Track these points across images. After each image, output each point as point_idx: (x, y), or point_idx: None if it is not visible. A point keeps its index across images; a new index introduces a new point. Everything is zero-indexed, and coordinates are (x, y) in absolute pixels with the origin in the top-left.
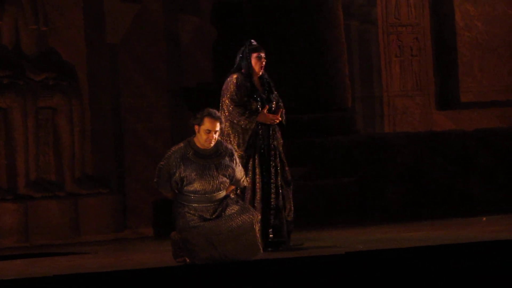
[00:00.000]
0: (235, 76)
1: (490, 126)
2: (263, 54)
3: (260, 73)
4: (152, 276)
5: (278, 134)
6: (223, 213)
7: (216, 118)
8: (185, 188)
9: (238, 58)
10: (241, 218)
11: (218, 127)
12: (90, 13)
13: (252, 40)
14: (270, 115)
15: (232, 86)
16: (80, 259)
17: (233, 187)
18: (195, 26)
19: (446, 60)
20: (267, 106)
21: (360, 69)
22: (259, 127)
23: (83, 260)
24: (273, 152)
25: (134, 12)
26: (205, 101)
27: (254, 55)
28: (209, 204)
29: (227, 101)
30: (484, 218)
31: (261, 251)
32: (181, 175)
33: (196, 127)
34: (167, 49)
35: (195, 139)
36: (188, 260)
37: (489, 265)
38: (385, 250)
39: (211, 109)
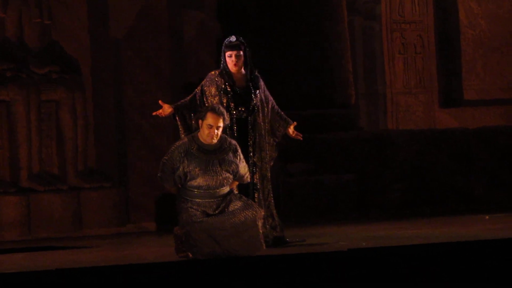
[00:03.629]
0: (212, 72)
1: (493, 124)
2: (234, 52)
3: (235, 71)
4: (154, 271)
5: (260, 136)
6: (226, 209)
7: (219, 114)
8: (188, 183)
9: (221, 55)
10: (244, 214)
11: (220, 123)
12: (94, 7)
13: (231, 37)
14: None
15: (203, 81)
16: (82, 253)
17: (236, 182)
18: (199, 22)
19: (450, 58)
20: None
21: (364, 66)
22: (233, 120)
23: (85, 254)
24: (250, 148)
25: (138, 6)
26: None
27: (226, 53)
28: (212, 200)
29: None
30: (487, 217)
31: (264, 247)
32: (185, 170)
33: (200, 121)
34: (171, 45)
35: (199, 135)
36: (190, 255)
37: (491, 264)
38: (387, 248)
39: (215, 105)
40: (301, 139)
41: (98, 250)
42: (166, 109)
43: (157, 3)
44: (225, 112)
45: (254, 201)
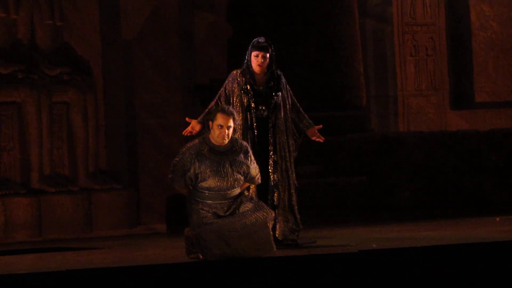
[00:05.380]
0: (234, 72)
1: (504, 127)
2: (262, 53)
3: (258, 71)
4: (164, 272)
5: (281, 134)
6: (237, 211)
7: (229, 114)
8: (199, 184)
9: (246, 54)
10: (255, 215)
11: (231, 123)
12: (105, 9)
13: (260, 38)
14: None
15: (227, 81)
16: (93, 254)
17: (247, 184)
18: (210, 23)
19: (461, 60)
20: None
21: (375, 68)
22: (253, 119)
23: (96, 255)
24: (271, 147)
25: (149, 8)
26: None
27: (253, 53)
28: (223, 201)
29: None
30: (498, 218)
31: (274, 248)
32: (196, 172)
33: (210, 123)
34: (181, 45)
35: (210, 136)
36: (201, 257)
37: (502, 266)
38: (397, 249)
39: (225, 105)
40: (322, 141)
41: (108, 252)
42: (196, 127)
43: (167, 5)
44: (234, 112)
45: (274, 201)
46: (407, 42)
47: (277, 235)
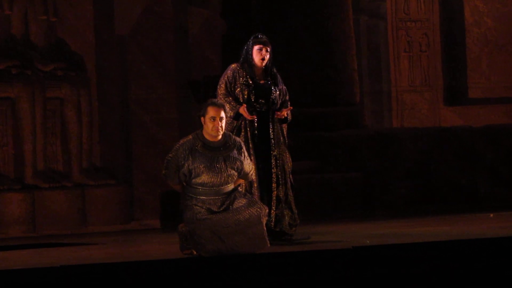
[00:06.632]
0: (233, 65)
1: (498, 122)
2: (264, 48)
3: (260, 65)
4: (158, 268)
5: (280, 126)
6: (230, 206)
7: (220, 106)
8: (193, 180)
9: (243, 50)
10: (249, 211)
11: (222, 114)
12: (99, 4)
13: (260, 34)
14: (247, 114)
15: (226, 73)
16: (87, 250)
17: (241, 180)
18: (204, 19)
19: (455, 56)
20: (244, 105)
21: (369, 64)
22: (253, 113)
23: (90, 251)
24: (272, 141)
25: (143, 4)
26: (212, 94)
27: (255, 47)
28: (217, 197)
29: (218, 88)
30: (491, 215)
31: (268, 244)
32: (189, 167)
33: (202, 118)
34: (176, 42)
35: (203, 132)
36: (195, 253)
37: (496, 262)
38: (391, 245)
39: (214, 99)
40: (279, 116)
41: (102, 247)
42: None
43: (162, 1)
44: (225, 105)
45: (279, 195)
46: (401, 38)
47: (283, 228)
